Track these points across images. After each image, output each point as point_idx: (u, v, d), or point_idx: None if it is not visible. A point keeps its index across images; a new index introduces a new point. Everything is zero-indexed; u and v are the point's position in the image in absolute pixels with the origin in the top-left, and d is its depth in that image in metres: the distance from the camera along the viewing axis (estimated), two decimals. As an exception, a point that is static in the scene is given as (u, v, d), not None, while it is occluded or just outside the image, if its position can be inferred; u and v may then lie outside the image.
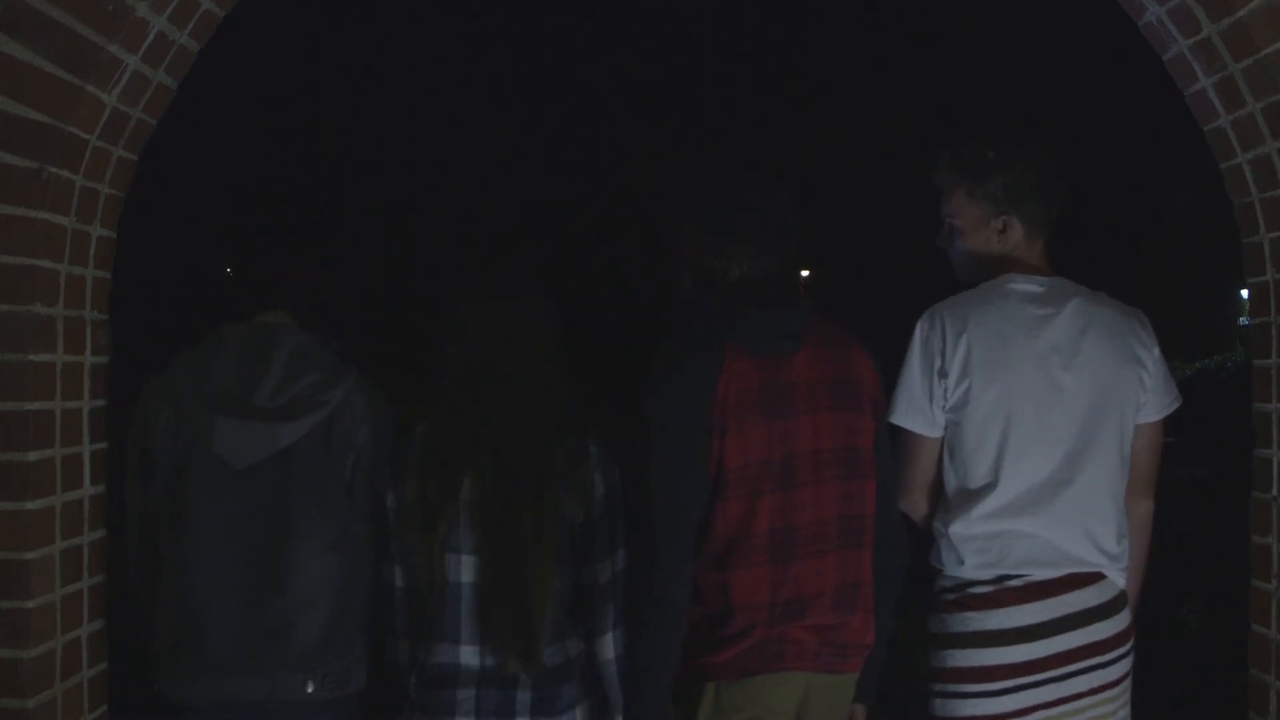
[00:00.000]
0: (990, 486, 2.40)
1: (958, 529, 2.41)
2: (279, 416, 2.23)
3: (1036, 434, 2.39)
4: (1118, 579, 2.45)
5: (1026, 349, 2.40)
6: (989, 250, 2.55)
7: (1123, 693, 2.45)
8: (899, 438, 2.46)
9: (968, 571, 2.42)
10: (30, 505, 2.17)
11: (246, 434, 2.23)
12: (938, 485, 2.50)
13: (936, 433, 2.46)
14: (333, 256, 2.49)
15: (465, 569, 2.23)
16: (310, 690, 2.25)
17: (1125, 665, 2.44)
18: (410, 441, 2.31)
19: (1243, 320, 16.18)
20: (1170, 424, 2.56)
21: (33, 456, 2.18)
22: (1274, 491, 2.36)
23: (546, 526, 2.21)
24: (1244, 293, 2.60)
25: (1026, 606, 2.37)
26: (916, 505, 2.51)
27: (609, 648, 2.30)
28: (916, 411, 2.44)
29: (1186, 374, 12.23)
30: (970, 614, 2.41)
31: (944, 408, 2.43)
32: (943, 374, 2.42)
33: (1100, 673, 2.39)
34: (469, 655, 2.23)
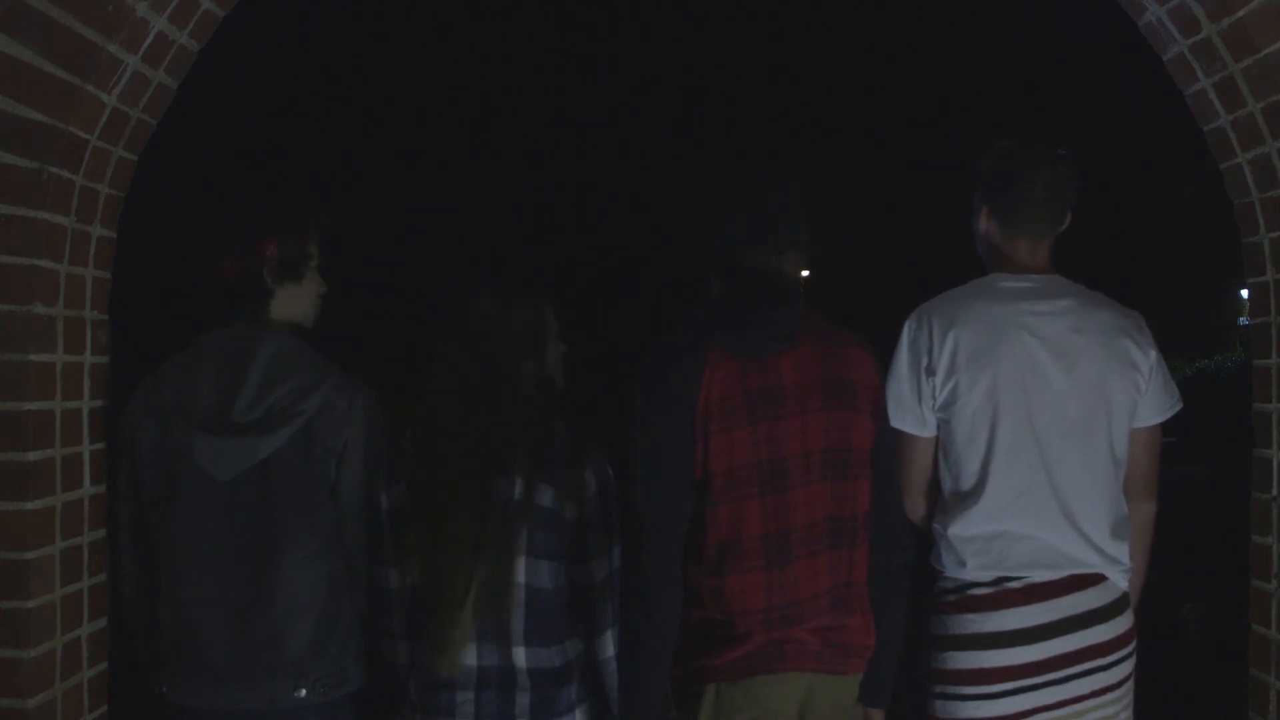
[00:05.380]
0: (982, 486, 2.39)
1: (957, 530, 2.41)
2: (257, 430, 2.23)
3: (1026, 432, 2.38)
4: (1119, 581, 2.45)
5: (1015, 346, 2.39)
6: (985, 237, 2.56)
7: (1125, 695, 2.44)
8: (895, 439, 2.46)
9: (968, 573, 2.41)
10: (30, 505, 2.17)
11: (226, 449, 2.23)
12: (936, 486, 2.50)
13: (928, 432, 2.46)
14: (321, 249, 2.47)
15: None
16: (303, 695, 2.25)
17: (1127, 668, 2.43)
18: (402, 442, 2.31)
19: (1243, 320, 16.18)
20: (1170, 424, 2.55)
21: (33, 456, 2.18)
22: (1274, 491, 2.36)
23: (523, 527, 2.21)
24: (1244, 293, 2.60)
25: (1026, 608, 2.37)
26: (915, 506, 2.51)
27: (608, 646, 2.30)
28: (906, 411, 2.44)
29: (1186, 374, 12.22)
30: (970, 616, 2.40)
31: (933, 407, 2.43)
32: (930, 371, 2.41)
33: (1101, 675, 2.39)
34: (467, 656, 2.22)
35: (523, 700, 2.21)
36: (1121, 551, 2.44)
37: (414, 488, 2.25)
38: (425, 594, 2.23)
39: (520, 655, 2.22)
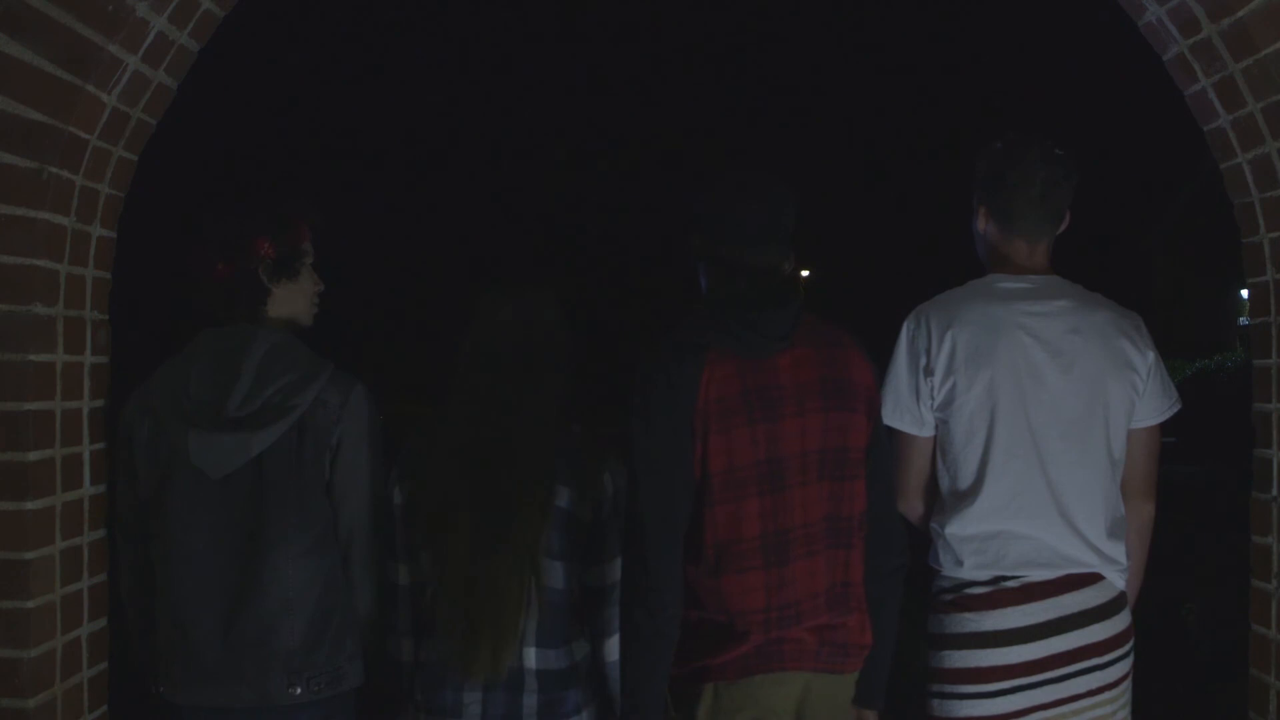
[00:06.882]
0: (980, 485, 2.40)
1: (954, 529, 2.41)
2: (249, 426, 2.24)
3: (1023, 432, 2.38)
4: (1116, 580, 2.45)
5: (1013, 346, 2.40)
6: (983, 237, 2.57)
7: (1122, 694, 2.44)
8: (891, 438, 2.46)
9: (965, 572, 2.42)
10: (30, 505, 2.18)
11: (218, 445, 2.23)
12: (934, 486, 2.50)
13: (926, 432, 2.46)
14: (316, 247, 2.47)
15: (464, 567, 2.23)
16: (298, 692, 2.25)
17: (1124, 666, 2.44)
18: (415, 438, 2.31)
19: (1243, 320, 16.19)
20: (1170, 424, 2.55)
21: (33, 456, 2.18)
22: (1274, 491, 2.36)
23: (535, 526, 2.21)
24: (1244, 293, 2.60)
25: (1023, 607, 2.37)
26: (912, 506, 2.51)
27: (616, 649, 2.30)
28: (904, 411, 2.45)
29: (1186, 374, 12.24)
30: (967, 615, 2.41)
31: (931, 406, 2.43)
32: (928, 371, 2.42)
33: (1099, 674, 2.39)
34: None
35: (529, 701, 2.21)
36: (1118, 551, 2.44)
37: (429, 485, 2.25)
38: (436, 592, 2.23)
39: (530, 655, 2.22)
